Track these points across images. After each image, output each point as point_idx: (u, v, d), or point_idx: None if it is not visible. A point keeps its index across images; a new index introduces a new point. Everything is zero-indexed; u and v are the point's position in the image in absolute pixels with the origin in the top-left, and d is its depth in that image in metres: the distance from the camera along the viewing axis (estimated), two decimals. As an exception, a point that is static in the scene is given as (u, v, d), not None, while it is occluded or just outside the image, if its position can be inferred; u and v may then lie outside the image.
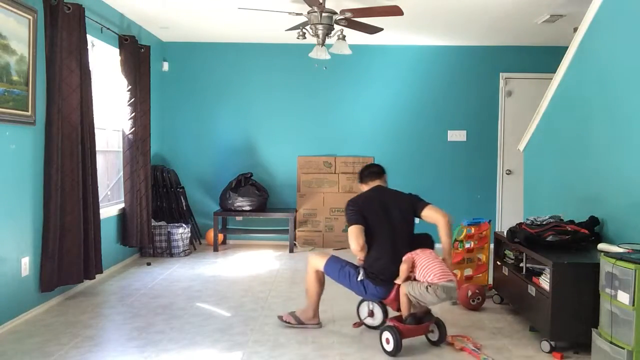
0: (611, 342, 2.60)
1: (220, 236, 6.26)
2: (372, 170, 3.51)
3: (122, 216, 5.12)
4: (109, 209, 4.90)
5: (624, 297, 2.51)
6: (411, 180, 6.47)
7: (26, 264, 3.59)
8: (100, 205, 4.38)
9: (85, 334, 3.31)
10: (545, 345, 3.08)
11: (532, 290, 3.25)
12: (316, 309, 3.45)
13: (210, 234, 6.26)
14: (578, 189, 3.87)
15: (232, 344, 3.20)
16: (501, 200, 6.48)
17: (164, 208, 5.93)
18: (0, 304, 3.33)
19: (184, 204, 6.05)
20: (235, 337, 3.31)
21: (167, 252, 5.61)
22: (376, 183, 3.44)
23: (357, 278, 3.20)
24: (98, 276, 4.34)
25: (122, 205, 5.14)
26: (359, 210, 3.17)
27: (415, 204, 3.30)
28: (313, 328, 3.45)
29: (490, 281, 4.21)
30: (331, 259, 3.36)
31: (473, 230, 4.19)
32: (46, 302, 3.83)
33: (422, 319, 3.07)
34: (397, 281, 3.08)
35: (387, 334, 3.04)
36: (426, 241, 3.28)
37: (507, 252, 3.89)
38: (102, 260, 4.35)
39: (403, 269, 3.04)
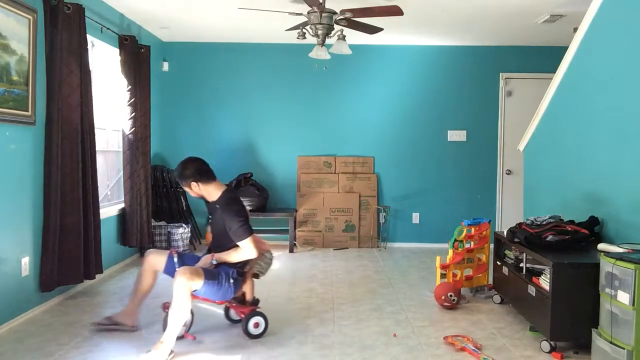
0: (611, 342, 2.60)
1: (220, 236, 6.26)
2: (210, 169, 3.26)
3: (122, 216, 5.12)
4: (109, 209, 4.90)
5: (624, 297, 2.52)
6: (411, 180, 6.48)
7: (26, 264, 3.59)
8: (100, 205, 4.38)
9: (85, 334, 3.31)
10: (545, 346, 3.08)
11: (532, 290, 3.25)
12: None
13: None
14: (578, 189, 3.87)
15: (232, 344, 3.20)
16: (501, 200, 6.48)
17: (164, 208, 5.93)
18: (0, 304, 3.34)
19: (184, 203, 6.05)
20: (235, 337, 3.31)
21: (167, 252, 5.60)
22: (218, 183, 3.29)
23: (230, 281, 3.12)
24: (98, 276, 4.34)
25: (122, 205, 5.14)
26: (248, 217, 3.18)
27: None
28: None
29: (490, 281, 4.21)
30: (207, 276, 3.02)
31: (473, 230, 4.19)
32: (46, 302, 3.83)
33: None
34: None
35: (256, 319, 3.26)
36: None
37: (507, 252, 3.90)
38: (102, 260, 4.35)
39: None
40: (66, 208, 3.86)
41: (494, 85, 6.44)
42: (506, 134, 6.44)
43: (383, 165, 6.48)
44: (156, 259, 3.29)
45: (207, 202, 3.33)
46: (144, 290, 3.33)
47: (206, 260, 3.19)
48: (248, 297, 3.38)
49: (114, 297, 4.15)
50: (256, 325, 3.27)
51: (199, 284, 2.98)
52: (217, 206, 3.21)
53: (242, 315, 3.32)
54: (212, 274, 3.07)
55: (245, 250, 3.13)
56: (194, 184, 3.19)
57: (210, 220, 3.45)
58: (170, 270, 3.23)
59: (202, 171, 3.20)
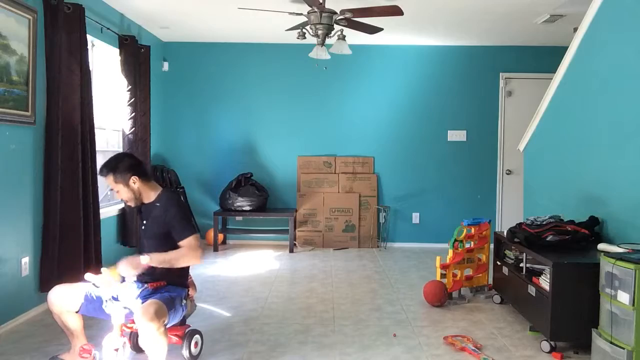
0: (611, 342, 2.60)
1: (220, 236, 6.26)
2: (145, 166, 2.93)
3: (122, 216, 5.12)
4: (109, 209, 4.89)
5: (624, 297, 2.52)
6: (411, 180, 6.48)
7: (26, 264, 3.59)
8: (100, 205, 4.38)
9: (85, 334, 3.30)
10: (545, 346, 3.08)
11: (532, 290, 3.25)
12: None
13: (210, 234, 6.26)
14: (578, 189, 3.87)
15: (232, 344, 3.20)
16: (501, 200, 6.48)
17: (164, 208, 5.91)
18: (0, 304, 3.34)
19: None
20: (235, 337, 3.31)
21: (167, 252, 5.58)
22: (154, 182, 2.90)
23: (182, 303, 2.75)
24: (98, 276, 4.34)
25: (122, 205, 5.14)
26: (192, 217, 2.86)
27: None
28: None
29: (490, 281, 4.21)
30: (168, 307, 2.57)
31: (473, 230, 4.19)
32: (46, 302, 3.81)
33: None
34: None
35: (196, 338, 2.95)
36: None
37: (507, 252, 3.90)
38: (102, 260, 4.34)
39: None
40: (66, 208, 3.86)
41: (494, 85, 6.44)
42: (506, 134, 6.44)
43: (383, 165, 6.48)
44: (65, 301, 2.67)
45: (140, 205, 2.85)
46: (78, 329, 2.76)
47: (133, 262, 2.53)
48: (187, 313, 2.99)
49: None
50: (196, 344, 2.96)
51: (166, 314, 2.51)
52: (157, 204, 2.78)
53: (176, 337, 2.88)
54: (170, 303, 2.60)
55: (189, 251, 2.66)
56: (134, 178, 2.71)
57: (143, 227, 2.85)
58: (92, 309, 2.70)
59: (140, 165, 2.79)
